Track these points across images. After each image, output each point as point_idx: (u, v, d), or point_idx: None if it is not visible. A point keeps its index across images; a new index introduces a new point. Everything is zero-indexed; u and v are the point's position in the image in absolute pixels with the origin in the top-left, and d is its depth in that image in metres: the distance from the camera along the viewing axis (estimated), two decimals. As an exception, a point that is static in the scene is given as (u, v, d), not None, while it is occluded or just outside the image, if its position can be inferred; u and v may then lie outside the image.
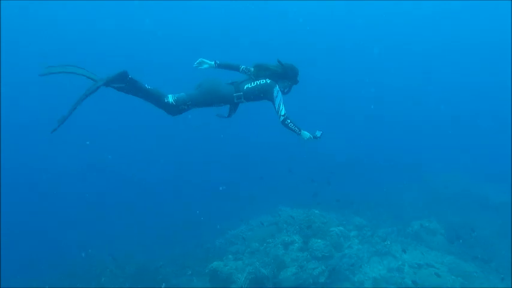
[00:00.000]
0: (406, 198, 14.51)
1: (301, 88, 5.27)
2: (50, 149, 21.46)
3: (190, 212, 14.73)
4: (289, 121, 4.59)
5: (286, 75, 4.90)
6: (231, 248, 10.62)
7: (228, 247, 10.87)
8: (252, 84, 4.74)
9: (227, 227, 12.46)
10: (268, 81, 4.75)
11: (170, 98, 4.47)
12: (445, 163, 18.81)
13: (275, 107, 4.67)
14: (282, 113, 4.59)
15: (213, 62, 5.02)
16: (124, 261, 11.50)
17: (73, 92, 4.39)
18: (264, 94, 4.74)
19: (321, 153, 18.22)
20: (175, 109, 4.55)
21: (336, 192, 13.82)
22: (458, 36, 33.44)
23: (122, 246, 12.79)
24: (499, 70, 31.42)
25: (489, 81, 31.57)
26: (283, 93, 4.85)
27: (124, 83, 4.20)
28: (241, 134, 21.87)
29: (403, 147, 22.31)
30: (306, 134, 4.69)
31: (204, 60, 5.03)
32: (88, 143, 19.98)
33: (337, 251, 9.20)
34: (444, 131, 25.76)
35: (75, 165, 20.53)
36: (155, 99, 4.44)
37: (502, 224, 12.15)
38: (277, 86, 4.73)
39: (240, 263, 9.22)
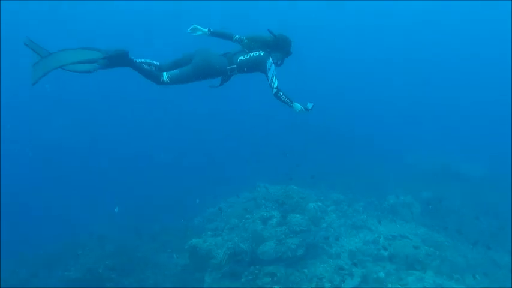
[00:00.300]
0: (383, 174, 14.79)
1: (293, 63, 5.27)
2: (32, 127, 21.05)
3: (169, 191, 14.73)
4: (281, 93, 4.60)
5: (278, 47, 4.88)
6: (210, 225, 10.70)
7: (207, 224, 10.95)
8: (246, 57, 4.71)
9: (206, 205, 12.53)
10: (262, 54, 4.72)
11: (164, 77, 4.43)
12: (423, 142, 19.23)
13: (268, 80, 4.66)
14: (275, 85, 4.59)
15: (206, 30, 4.97)
16: (104, 239, 11.48)
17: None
18: (257, 66, 4.73)
19: (300, 130, 18.38)
20: (169, 86, 4.54)
21: (315, 168, 14.02)
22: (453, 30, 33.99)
23: (102, 224, 12.75)
24: (488, 65, 31.96)
25: (474, 72, 32.14)
26: (276, 65, 4.84)
27: (123, 62, 4.16)
28: (218, 111, 21.80)
29: (383, 127, 22.65)
30: (298, 106, 4.71)
31: (197, 27, 4.97)
32: (47, 86, 19.47)
33: (314, 225, 9.36)
34: (427, 113, 26.28)
35: (55, 140, 20.20)
36: (151, 77, 4.41)
37: (475, 197, 12.58)
38: (271, 59, 4.71)
39: (219, 239, 9.31)
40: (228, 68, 4.67)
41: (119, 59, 4.10)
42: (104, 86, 23.23)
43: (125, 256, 10.36)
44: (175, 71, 4.49)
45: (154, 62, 4.68)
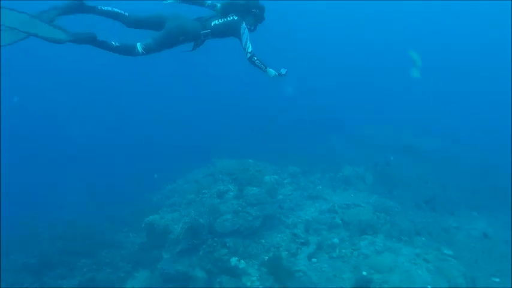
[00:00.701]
0: (338, 148, 15.15)
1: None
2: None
3: (128, 168, 14.42)
4: (255, 58, 4.68)
5: (251, 12, 4.96)
6: (167, 201, 10.55)
7: (164, 201, 10.78)
8: (220, 21, 4.75)
9: (165, 182, 12.35)
10: (236, 18, 4.78)
11: (139, 48, 4.31)
12: (381, 119, 19.68)
13: (242, 44, 4.74)
14: (249, 50, 4.66)
15: None
16: (57, 221, 11.05)
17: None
18: (231, 31, 4.80)
19: (258, 108, 18.44)
20: (145, 56, 4.44)
21: (275, 143, 14.19)
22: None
23: (56, 206, 12.29)
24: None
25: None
26: (250, 30, 4.89)
27: (92, 44, 4.03)
28: (183, 88, 21.41)
29: (343, 106, 22.96)
30: (272, 72, 4.79)
31: None
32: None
33: (271, 197, 9.47)
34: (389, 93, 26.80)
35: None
36: (124, 53, 4.29)
37: (425, 167, 13.21)
38: (244, 23, 4.77)
39: (177, 214, 9.23)
40: (202, 32, 4.67)
41: (86, 43, 3.96)
42: (63, 61, 22.12)
43: (79, 238, 10.03)
44: (149, 40, 4.38)
45: (122, 12, 4.48)
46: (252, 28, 5.03)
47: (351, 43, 34.20)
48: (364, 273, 7.26)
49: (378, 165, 11.37)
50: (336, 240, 8.38)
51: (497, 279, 7.80)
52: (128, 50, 4.28)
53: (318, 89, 25.53)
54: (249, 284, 7.44)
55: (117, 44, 4.18)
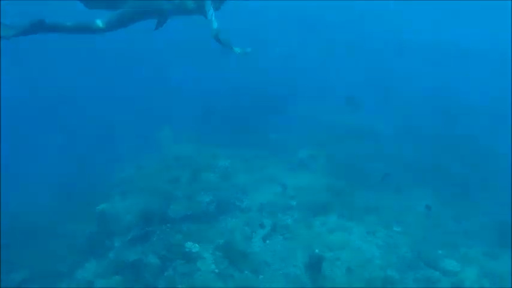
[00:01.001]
0: (293, 131, 15.30)
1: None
2: None
3: (77, 157, 13.82)
4: (221, 35, 4.65)
5: None
6: (118, 189, 10.21)
7: (116, 189, 10.43)
8: None
9: (116, 170, 11.94)
10: None
11: (100, 24, 4.13)
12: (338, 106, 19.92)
13: (208, 22, 4.70)
14: (215, 27, 4.62)
15: None
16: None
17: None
18: (196, 7, 4.77)
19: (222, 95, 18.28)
20: (107, 32, 4.26)
21: (231, 129, 14.12)
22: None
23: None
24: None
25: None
26: (215, 8, 4.83)
27: (42, 31, 3.82)
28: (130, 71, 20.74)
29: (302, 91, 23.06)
30: (237, 49, 4.79)
31: None
32: None
33: (225, 182, 9.46)
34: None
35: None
36: (82, 31, 4.11)
37: (375, 148, 13.66)
38: (209, 1, 4.73)
39: (128, 202, 8.98)
40: (166, 8, 4.63)
41: (36, 32, 3.76)
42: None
43: (23, 231, 9.49)
44: (111, 15, 4.21)
45: None
46: (217, 6, 4.99)
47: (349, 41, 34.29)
48: (317, 251, 7.45)
49: (330, 147, 11.61)
50: (289, 221, 8.54)
51: (441, 252, 8.28)
52: (86, 27, 4.11)
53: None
54: (204, 267, 7.40)
55: (71, 23, 4.00)
